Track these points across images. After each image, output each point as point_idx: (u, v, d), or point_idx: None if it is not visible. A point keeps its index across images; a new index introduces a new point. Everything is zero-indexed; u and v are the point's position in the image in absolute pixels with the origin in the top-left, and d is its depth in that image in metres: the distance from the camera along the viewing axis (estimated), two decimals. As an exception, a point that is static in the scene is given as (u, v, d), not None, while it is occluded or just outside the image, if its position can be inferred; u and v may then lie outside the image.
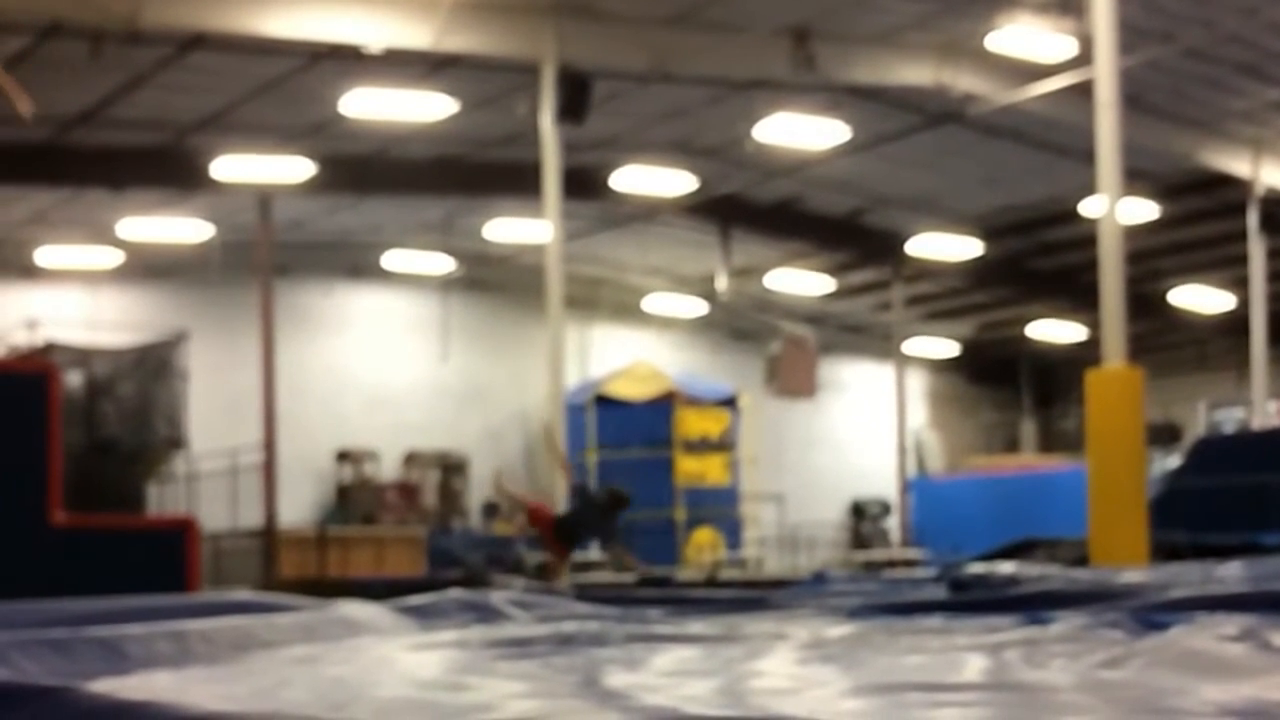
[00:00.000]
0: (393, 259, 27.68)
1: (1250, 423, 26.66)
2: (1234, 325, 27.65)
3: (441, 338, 27.04)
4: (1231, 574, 6.17)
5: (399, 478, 27.90)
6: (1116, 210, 13.73)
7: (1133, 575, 6.34)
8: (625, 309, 31.16)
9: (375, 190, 23.70)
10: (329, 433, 26.93)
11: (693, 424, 27.56)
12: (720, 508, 27.77)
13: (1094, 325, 19.74)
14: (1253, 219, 23.30)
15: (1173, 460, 22.20)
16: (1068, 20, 17.66)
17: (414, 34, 17.41)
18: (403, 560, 23.53)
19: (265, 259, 22.79)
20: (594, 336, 30.51)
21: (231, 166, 21.16)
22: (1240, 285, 25.41)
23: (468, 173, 23.13)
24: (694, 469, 27.44)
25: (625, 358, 29.54)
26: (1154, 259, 26.79)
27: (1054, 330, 33.06)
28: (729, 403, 28.37)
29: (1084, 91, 14.86)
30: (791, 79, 19.58)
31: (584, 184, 22.60)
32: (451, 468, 28.15)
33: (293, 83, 19.14)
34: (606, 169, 23.23)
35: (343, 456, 27.34)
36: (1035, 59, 18.97)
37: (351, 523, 25.75)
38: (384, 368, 28.08)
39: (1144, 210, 23.80)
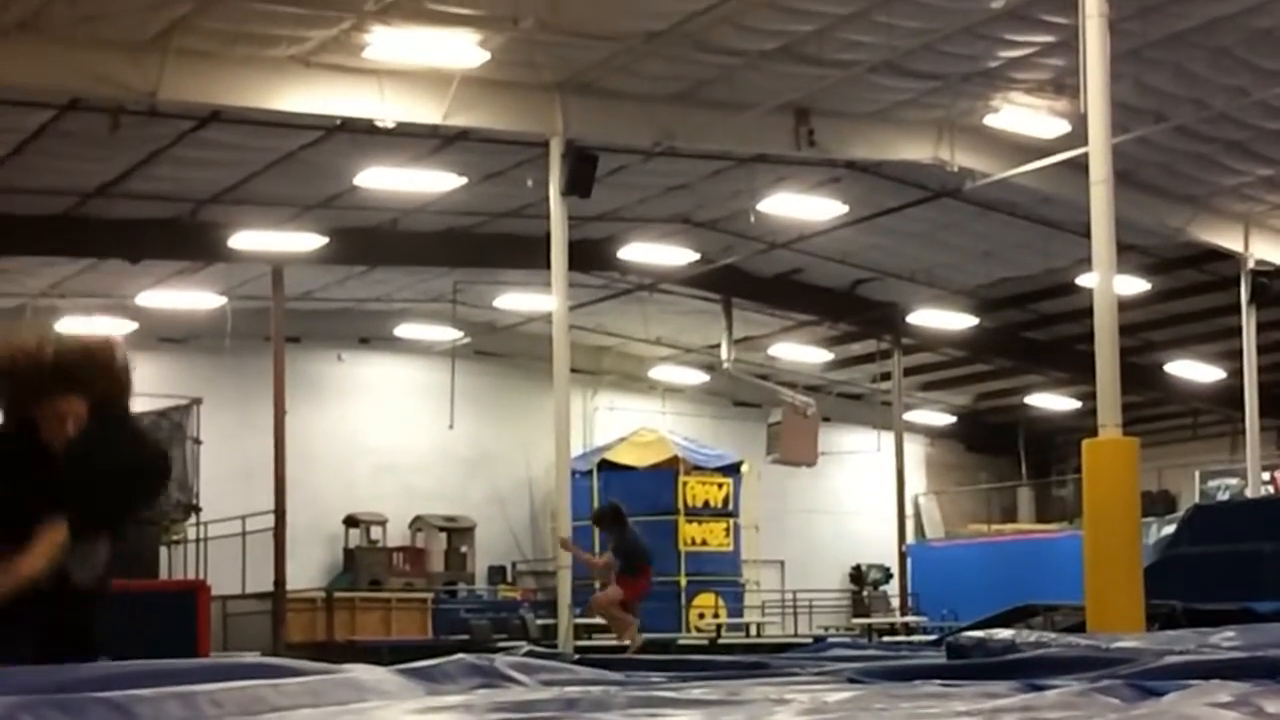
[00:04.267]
0: (402, 328, 28.09)
1: (1245, 492, 26.95)
2: (1227, 396, 27.99)
3: (449, 405, 27.39)
4: (1226, 641, 6.21)
5: (406, 542, 28.16)
6: (1111, 283, 13.98)
7: (1128, 642, 6.43)
8: (630, 377, 31.55)
9: (385, 260, 24.13)
10: (338, 498, 27.21)
11: (696, 491, 27.87)
12: (722, 573, 28.03)
13: (1090, 395, 20.10)
14: (1244, 292, 23.72)
15: (1168, 528, 22.47)
16: (1062, 100, 18.15)
17: (424, 110, 17.83)
18: (410, 624, 23.79)
19: (277, 328, 23.17)
20: (598, 404, 30.89)
21: (246, 238, 21.56)
22: (1233, 357, 25.77)
23: (476, 244, 23.56)
24: (696, 535, 27.73)
25: (629, 425, 29.88)
26: (1149, 330, 27.22)
27: (1051, 400, 33.43)
28: (731, 470, 28.69)
29: (1078, 167, 15.23)
30: (793, 154, 20.06)
31: (590, 255, 23.07)
32: (458, 532, 28.42)
33: (306, 156, 19.59)
34: (612, 241, 23.69)
35: (351, 521, 27.62)
36: (1031, 135, 19.46)
37: (359, 587, 26.00)
38: (392, 434, 28.40)
39: (1138, 283, 24.25)
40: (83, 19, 14.75)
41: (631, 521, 16.27)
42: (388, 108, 17.62)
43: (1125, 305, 15.74)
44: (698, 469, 28.17)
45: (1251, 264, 23.46)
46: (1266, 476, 27.65)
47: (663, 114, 18.95)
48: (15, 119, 17.58)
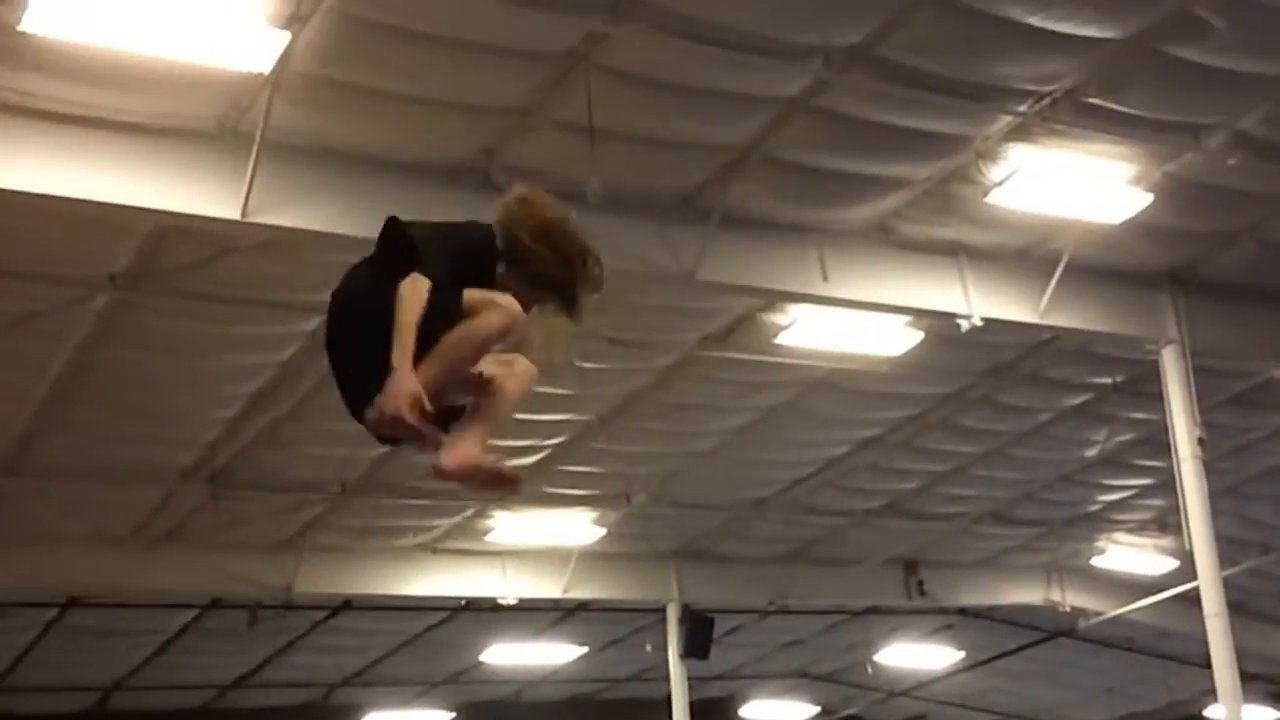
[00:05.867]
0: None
1: None
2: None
3: None
4: None
5: None
6: (1239, 715, 13.75)
7: None
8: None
9: (512, 732, 24.37)
10: None
11: None
12: None
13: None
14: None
15: None
16: (1167, 538, 18.48)
17: (545, 585, 18.41)
18: None
19: (405, 807, 23.26)
20: None
21: (376, 719, 21.97)
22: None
23: (599, 710, 23.79)
24: None
25: None
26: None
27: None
28: None
29: (1192, 601, 15.33)
30: (904, 604, 20.39)
31: (711, 713, 23.10)
32: None
33: (433, 636, 20.20)
34: (733, 698, 23.89)
35: None
36: (1140, 573, 19.69)
37: None
38: None
39: (1267, 712, 23.86)
40: (224, 526, 15.66)
41: None
42: (510, 585, 18.25)
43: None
44: None
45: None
46: None
47: (774, 574, 19.44)
48: (161, 620, 18.42)
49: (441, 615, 19.65)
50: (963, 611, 21.70)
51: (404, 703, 22.17)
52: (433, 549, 17.79)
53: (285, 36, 9.04)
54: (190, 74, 9.34)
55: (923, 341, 13.62)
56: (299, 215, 10.35)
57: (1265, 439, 16.70)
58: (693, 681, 19.51)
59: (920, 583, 19.84)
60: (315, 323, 12.52)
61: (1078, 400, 15.70)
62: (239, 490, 15.25)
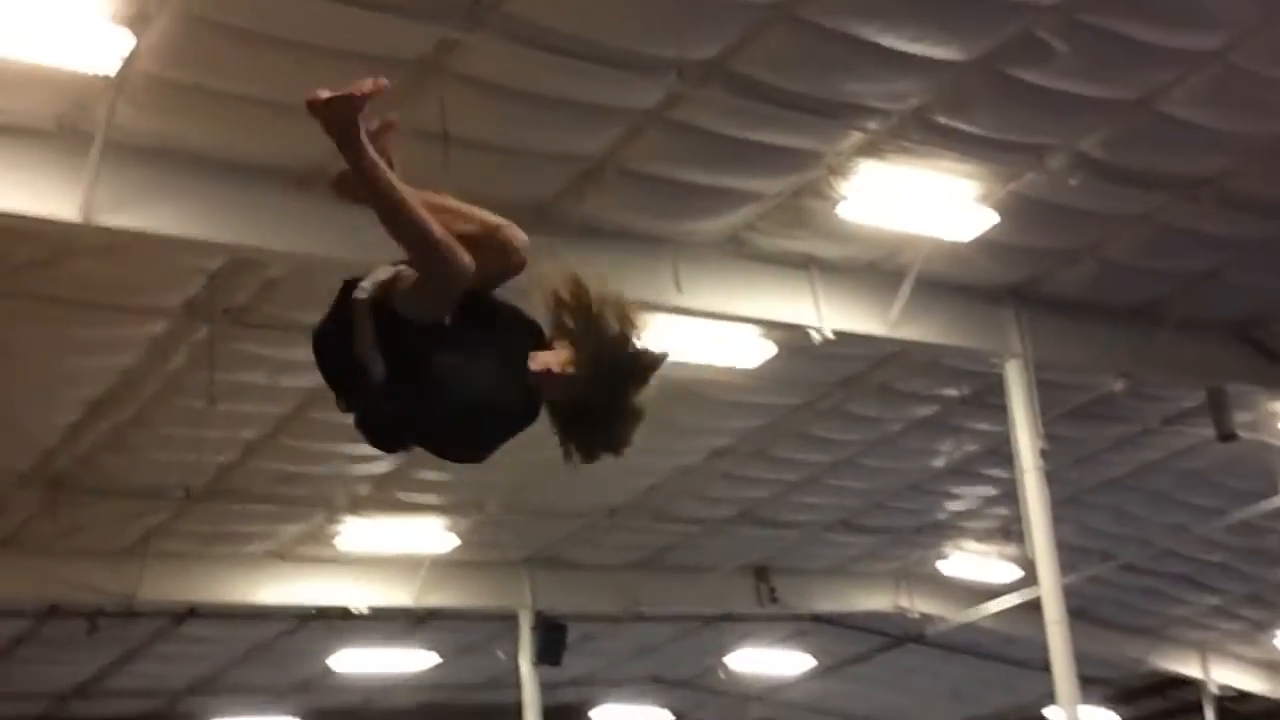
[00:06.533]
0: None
1: None
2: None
3: None
4: None
5: None
6: (1076, 717, 14.10)
7: None
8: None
9: (361, 741, 24.11)
10: None
11: None
12: None
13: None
14: (1210, 717, 23.90)
15: None
16: (1011, 545, 18.83)
17: (397, 593, 18.26)
18: None
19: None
20: None
21: (222, 728, 21.67)
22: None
23: (450, 716, 23.63)
24: None
25: None
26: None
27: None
28: None
29: (1035, 608, 15.66)
30: (757, 611, 20.54)
31: (564, 719, 23.18)
32: None
33: (282, 644, 19.93)
34: (585, 704, 23.85)
35: None
36: (986, 580, 20.06)
37: None
38: None
39: (1106, 714, 24.44)
40: (63, 533, 15.30)
41: None
42: (361, 594, 18.08)
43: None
44: None
45: (1215, 689, 23.68)
46: None
47: (628, 581, 19.47)
48: (-6, 630, 17.98)
49: (290, 624, 19.39)
50: (815, 618, 21.89)
51: (252, 710, 21.84)
52: (282, 556, 17.56)
53: (130, 37, 8.86)
54: (29, 72, 9.11)
55: (776, 354, 13.71)
56: (141, 217, 10.15)
57: (1105, 450, 17.08)
58: (545, 688, 19.45)
59: (772, 590, 19.98)
60: (160, 326, 12.32)
61: (926, 412, 15.93)
62: (79, 496, 14.91)
